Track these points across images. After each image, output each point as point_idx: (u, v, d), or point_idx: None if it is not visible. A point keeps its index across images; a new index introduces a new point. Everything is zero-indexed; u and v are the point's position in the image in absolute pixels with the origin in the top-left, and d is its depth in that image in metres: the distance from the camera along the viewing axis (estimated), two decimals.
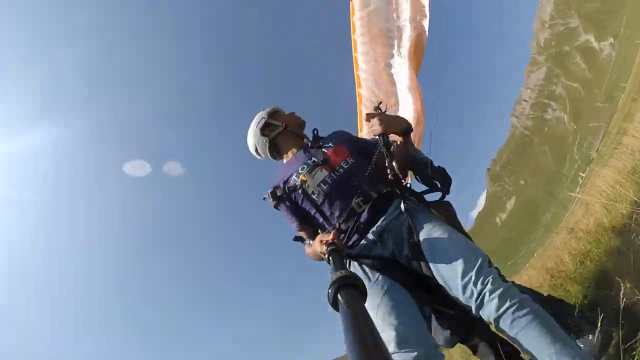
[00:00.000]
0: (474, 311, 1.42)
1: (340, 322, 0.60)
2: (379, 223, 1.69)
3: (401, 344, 1.42)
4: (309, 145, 2.02)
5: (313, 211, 1.85)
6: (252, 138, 2.13)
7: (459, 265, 1.45)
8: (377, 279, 1.60)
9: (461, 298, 1.44)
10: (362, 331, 0.54)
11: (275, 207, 1.97)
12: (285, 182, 1.93)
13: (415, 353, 1.40)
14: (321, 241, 1.53)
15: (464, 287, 1.42)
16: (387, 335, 1.44)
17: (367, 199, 1.71)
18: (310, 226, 1.94)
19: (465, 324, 1.62)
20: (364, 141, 2.11)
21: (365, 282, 1.53)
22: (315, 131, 2.09)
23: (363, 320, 0.57)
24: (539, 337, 1.29)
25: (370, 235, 1.69)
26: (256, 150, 2.16)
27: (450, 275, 1.47)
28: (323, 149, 1.93)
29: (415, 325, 1.49)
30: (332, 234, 1.52)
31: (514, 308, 1.34)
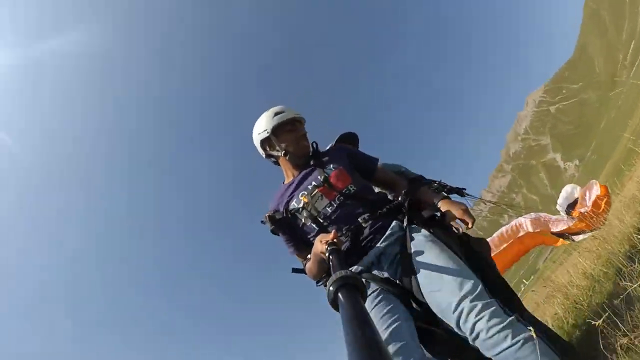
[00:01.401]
0: (471, 342, 1.33)
1: (340, 322, 0.59)
2: (377, 245, 1.66)
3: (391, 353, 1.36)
4: (314, 165, 1.92)
5: (313, 234, 1.79)
6: (254, 141, 2.03)
7: (452, 295, 1.36)
8: (382, 297, 1.56)
9: (456, 330, 1.36)
10: (362, 331, 0.53)
11: (273, 231, 1.90)
12: (287, 205, 1.87)
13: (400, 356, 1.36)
14: (321, 241, 1.48)
15: (457, 320, 1.33)
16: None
17: (373, 216, 1.69)
18: (310, 249, 1.83)
19: (452, 345, 1.53)
20: (363, 158, 2.02)
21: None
22: (315, 145, 2.00)
23: (363, 320, 0.57)
24: None
25: (369, 257, 1.67)
26: (257, 149, 2.08)
27: (444, 306, 1.39)
28: (325, 171, 1.84)
29: (407, 337, 1.43)
30: (332, 233, 1.47)
31: (516, 347, 1.21)
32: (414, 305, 1.56)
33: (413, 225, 1.65)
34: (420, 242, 1.56)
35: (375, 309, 1.51)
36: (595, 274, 3.15)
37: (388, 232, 1.66)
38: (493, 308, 1.30)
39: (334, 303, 0.72)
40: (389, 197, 1.85)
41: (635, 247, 2.66)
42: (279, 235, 1.91)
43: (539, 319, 1.98)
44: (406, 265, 1.55)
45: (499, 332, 1.24)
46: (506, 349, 1.22)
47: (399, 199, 1.75)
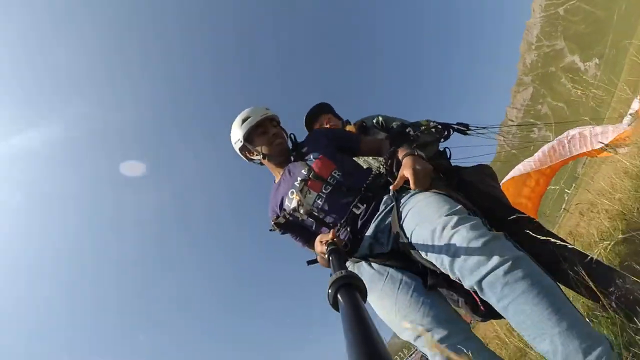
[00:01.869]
0: (451, 275, 1.20)
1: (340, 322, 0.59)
2: (371, 225, 1.61)
3: (428, 329, 1.28)
4: (292, 159, 1.92)
5: (314, 226, 1.79)
6: (234, 145, 2.00)
7: (430, 223, 1.26)
8: (389, 273, 1.50)
9: (435, 262, 1.24)
10: (362, 331, 0.53)
11: (283, 234, 1.92)
12: (281, 207, 1.87)
13: (447, 332, 1.25)
14: (321, 241, 1.50)
15: (433, 246, 1.21)
16: (412, 325, 1.33)
17: (364, 200, 1.66)
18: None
19: (461, 291, 1.45)
20: (341, 136, 2.00)
21: (378, 280, 1.51)
22: (293, 136, 2.00)
23: (363, 321, 0.57)
24: (539, 312, 0.97)
25: (367, 237, 1.62)
26: None
27: (424, 238, 1.28)
28: (307, 162, 1.82)
29: (437, 309, 1.34)
30: (331, 233, 1.42)
31: (504, 268, 1.03)
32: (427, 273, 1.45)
33: (403, 194, 1.57)
34: (407, 198, 1.52)
35: (399, 295, 1.42)
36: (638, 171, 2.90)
37: (381, 208, 1.63)
38: (473, 222, 1.19)
39: (334, 303, 0.72)
40: (375, 170, 1.75)
41: None
42: (287, 234, 1.93)
43: (584, 233, 2.02)
44: (396, 222, 1.49)
45: (481, 247, 1.08)
46: (491, 271, 1.04)
47: (381, 170, 1.72)
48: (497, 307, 1.06)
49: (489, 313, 1.39)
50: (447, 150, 2.18)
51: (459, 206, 1.32)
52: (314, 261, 1.86)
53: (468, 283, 1.10)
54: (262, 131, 1.94)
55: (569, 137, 6.09)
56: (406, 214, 1.44)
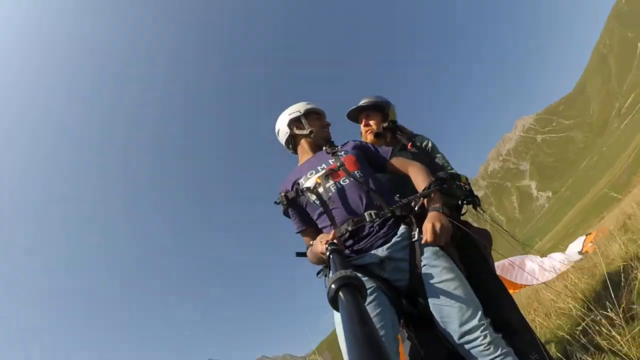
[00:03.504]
0: (464, 355, 1.55)
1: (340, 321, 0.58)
2: (384, 248, 1.69)
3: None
4: (326, 151, 2.06)
5: (319, 215, 1.87)
6: (280, 122, 2.21)
7: (460, 311, 1.52)
8: (375, 297, 1.63)
9: (455, 339, 1.53)
10: (362, 330, 0.53)
11: (285, 212, 2.01)
12: (296, 183, 1.97)
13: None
14: (321, 241, 1.55)
15: (463, 333, 1.50)
16: None
17: (380, 214, 1.73)
18: (314, 229, 1.95)
19: (440, 348, 1.68)
20: (374, 153, 2.09)
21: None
22: (331, 142, 2.18)
23: (363, 320, 0.57)
24: None
25: (372, 254, 1.71)
26: (278, 132, 2.24)
27: (450, 317, 1.53)
28: (338, 154, 1.97)
29: (391, 341, 1.58)
30: (332, 233, 1.55)
31: (498, 356, 1.46)
32: (405, 307, 1.70)
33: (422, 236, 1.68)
34: (429, 256, 1.64)
35: (369, 307, 1.59)
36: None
37: (396, 238, 1.70)
38: (490, 329, 1.53)
39: (334, 302, 0.73)
40: (397, 196, 1.86)
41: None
42: (289, 216, 2.01)
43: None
44: (415, 275, 1.65)
45: (492, 346, 1.47)
46: (495, 357, 1.46)
47: (409, 201, 1.80)
48: None
49: None
50: (461, 204, 2.24)
51: (480, 310, 1.56)
52: (303, 254, 1.94)
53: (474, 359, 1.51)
54: (318, 117, 2.22)
55: (517, 263, 6.62)
56: (432, 280, 1.60)
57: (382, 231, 1.73)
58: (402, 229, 1.73)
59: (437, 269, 1.61)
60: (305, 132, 2.14)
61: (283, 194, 1.94)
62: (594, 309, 2.52)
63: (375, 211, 1.73)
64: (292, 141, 2.21)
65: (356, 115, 2.61)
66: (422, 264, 1.63)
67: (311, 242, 1.87)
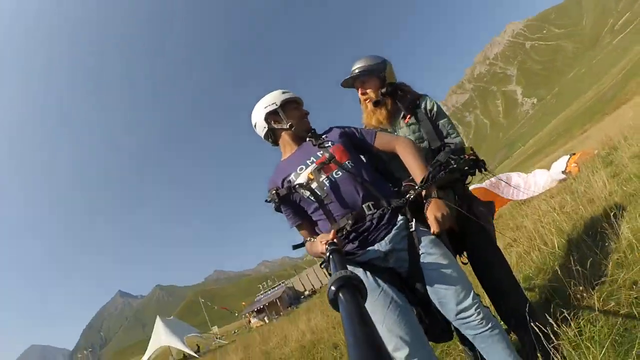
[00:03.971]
0: (458, 327, 1.73)
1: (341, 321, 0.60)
2: (386, 241, 1.75)
3: (403, 348, 1.61)
4: (311, 143, 1.98)
5: (314, 209, 1.86)
6: (256, 116, 2.08)
7: (455, 292, 1.67)
8: (383, 289, 1.72)
9: (452, 316, 1.70)
10: (362, 331, 0.54)
11: (277, 209, 1.96)
12: (286, 180, 1.91)
13: (428, 350, 1.67)
14: (322, 242, 1.60)
15: (459, 311, 1.67)
16: (393, 341, 1.63)
17: (377, 206, 1.77)
18: (310, 222, 1.94)
19: (437, 326, 1.85)
20: (359, 137, 2.04)
21: (373, 291, 1.72)
22: (313, 131, 2.06)
23: (363, 320, 0.58)
24: (501, 352, 1.66)
25: (375, 249, 1.75)
26: (255, 126, 2.12)
27: (447, 298, 1.68)
28: (325, 145, 1.92)
29: (416, 332, 1.68)
30: (332, 233, 1.55)
31: (489, 328, 1.66)
32: (408, 291, 1.80)
33: (421, 228, 1.79)
34: (427, 244, 1.75)
35: (388, 311, 1.68)
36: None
37: (395, 230, 1.76)
38: (482, 305, 1.71)
39: (334, 302, 0.73)
40: (391, 186, 1.94)
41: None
42: (281, 211, 1.97)
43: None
44: (415, 264, 1.74)
45: (484, 320, 1.65)
46: (485, 330, 1.65)
47: (404, 192, 1.87)
48: (479, 346, 1.72)
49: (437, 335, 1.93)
50: (466, 176, 2.21)
51: (472, 290, 1.72)
52: (300, 246, 2.00)
53: (468, 334, 1.72)
54: (296, 107, 2.10)
55: (504, 179, 7.68)
56: (430, 267, 1.73)
57: (382, 223, 1.77)
58: (400, 219, 1.79)
59: (434, 256, 1.73)
60: (284, 125, 2.04)
61: (274, 191, 1.89)
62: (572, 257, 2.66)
63: (373, 202, 1.77)
64: (272, 135, 2.10)
65: (351, 83, 2.41)
66: (421, 252, 1.74)
67: (309, 238, 1.91)
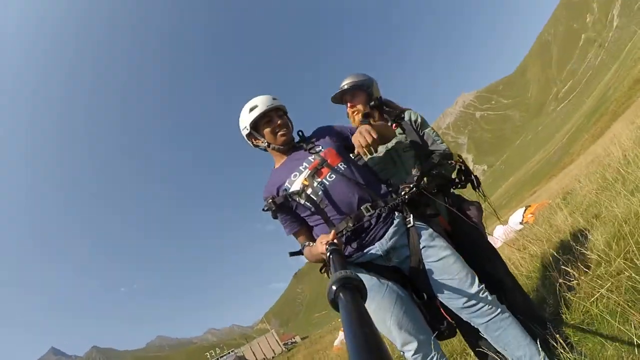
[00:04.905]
0: (468, 319, 1.76)
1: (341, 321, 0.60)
2: (386, 239, 1.77)
3: (412, 342, 1.67)
4: (302, 147, 1.99)
5: (311, 214, 1.87)
6: (241, 131, 2.07)
7: (460, 281, 1.70)
8: (388, 286, 1.76)
9: (459, 306, 1.72)
10: (363, 331, 0.54)
11: (274, 217, 1.95)
12: (281, 188, 1.92)
13: (421, 352, 1.67)
14: (322, 242, 1.56)
15: (466, 299, 1.69)
16: (402, 336, 1.69)
17: (375, 206, 1.77)
18: (307, 229, 1.96)
19: (442, 322, 1.90)
20: (346, 137, 2.04)
21: (378, 291, 1.75)
22: (301, 133, 2.08)
23: (364, 321, 0.57)
24: (516, 335, 1.67)
25: (376, 249, 1.78)
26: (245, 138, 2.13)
27: (452, 288, 1.71)
28: (317, 150, 1.93)
29: (422, 326, 1.75)
30: (332, 234, 1.55)
31: (499, 312, 1.68)
32: (411, 287, 1.85)
33: (419, 223, 1.83)
34: (426, 238, 1.79)
35: (394, 309, 1.72)
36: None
37: (393, 227, 1.78)
38: (487, 292, 1.73)
39: (334, 303, 0.73)
40: (384, 186, 1.94)
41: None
42: (278, 218, 1.97)
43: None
44: (416, 258, 1.77)
45: (491, 307, 1.68)
46: (494, 317, 1.68)
47: (399, 190, 1.90)
48: (491, 335, 1.71)
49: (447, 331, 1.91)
50: (454, 184, 2.30)
51: (476, 279, 1.74)
52: (298, 253, 1.96)
53: (478, 323, 1.72)
54: (268, 120, 2.00)
55: None
56: (432, 260, 1.75)
57: (380, 222, 1.79)
58: (397, 216, 1.82)
59: (434, 248, 1.75)
60: (264, 144, 2.03)
61: (270, 200, 1.90)
62: (557, 259, 2.90)
63: (370, 204, 1.77)
64: (261, 149, 2.11)
65: (340, 98, 2.51)
66: (421, 246, 1.76)
67: (307, 243, 1.90)
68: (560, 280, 2.52)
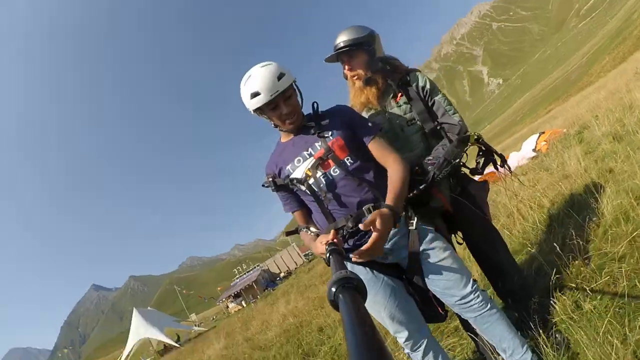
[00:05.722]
0: (459, 312, 1.84)
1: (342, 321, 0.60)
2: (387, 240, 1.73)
3: (403, 331, 1.79)
4: (311, 128, 1.85)
5: (312, 203, 1.83)
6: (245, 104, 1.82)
7: (456, 281, 1.76)
8: (383, 280, 1.81)
9: (453, 302, 1.80)
10: (363, 331, 0.54)
11: (275, 191, 1.93)
12: (283, 171, 1.86)
13: (426, 333, 1.84)
14: (321, 242, 1.55)
15: (461, 298, 1.76)
16: (394, 326, 1.80)
17: (377, 207, 1.64)
18: (306, 212, 1.93)
19: (433, 310, 1.91)
20: (360, 129, 1.86)
21: (373, 285, 1.80)
22: (315, 105, 1.92)
23: (364, 321, 0.58)
24: (502, 330, 1.77)
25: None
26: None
27: (448, 289, 1.77)
28: (325, 138, 1.79)
29: (414, 316, 1.84)
30: (331, 233, 1.49)
31: (487, 310, 1.75)
32: (407, 281, 1.87)
33: (421, 225, 1.81)
34: (427, 240, 1.79)
35: (388, 302, 1.79)
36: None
37: (394, 230, 1.74)
38: (479, 289, 1.79)
39: (334, 303, 0.73)
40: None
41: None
42: (280, 193, 1.95)
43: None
44: (414, 259, 1.78)
45: (483, 303, 1.75)
46: (484, 312, 1.75)
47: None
48: (480, 327, 1.82)
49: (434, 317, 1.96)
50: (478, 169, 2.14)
51: (471, 278, 1.81)
52: (294, 232, 2.05)
53: (468, 317, 1.82)
54: (274, 107, 1.79)
55: None
56: (430, 260, 1.78)
57: None
58: (400, 220, 1.75)
59: (434, 250, 1.78)
60: (272, 123, 1.88)
61: (270, 178, 1.87)
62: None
63: (373, 204, 1.68)
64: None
65: (336, 59, 2.17)
66: (421, 248, 1.77)
67: (304, 225, 1.91)
68: (561, 260, 2.43)
